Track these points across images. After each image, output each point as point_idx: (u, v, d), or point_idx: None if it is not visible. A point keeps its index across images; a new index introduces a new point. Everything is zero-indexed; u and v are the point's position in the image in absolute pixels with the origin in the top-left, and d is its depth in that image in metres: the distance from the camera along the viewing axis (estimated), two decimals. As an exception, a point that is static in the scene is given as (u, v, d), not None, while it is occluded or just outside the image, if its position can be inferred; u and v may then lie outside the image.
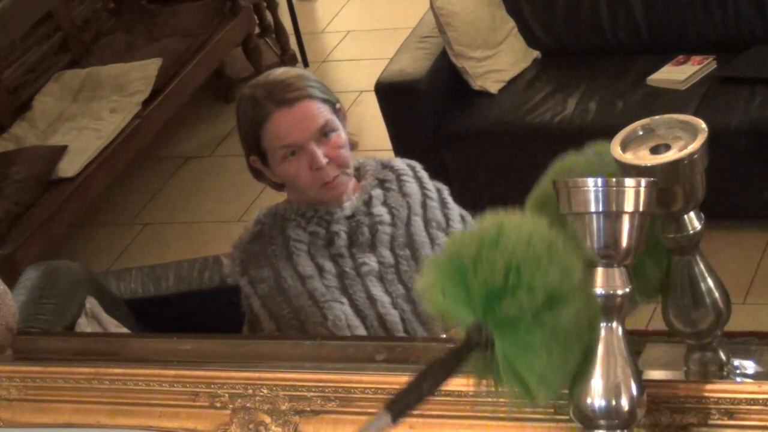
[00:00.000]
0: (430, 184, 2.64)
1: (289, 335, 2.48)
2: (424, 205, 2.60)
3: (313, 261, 2.52)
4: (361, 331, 2.47)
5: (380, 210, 2.56)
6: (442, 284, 1.41)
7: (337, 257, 2.52)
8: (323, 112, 2.51)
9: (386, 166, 2.65)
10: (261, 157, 2.56)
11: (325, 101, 2.53)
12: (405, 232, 2.55)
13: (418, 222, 2.57)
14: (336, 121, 2.53)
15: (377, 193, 2.58)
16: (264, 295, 2.53)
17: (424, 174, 2.66)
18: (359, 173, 2.62)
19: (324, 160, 2.49)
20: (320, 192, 2.52)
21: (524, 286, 1.37)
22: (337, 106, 2.57)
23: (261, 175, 2.61)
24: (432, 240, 2.56)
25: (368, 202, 2.56)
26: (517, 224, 1.42)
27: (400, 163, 2.67)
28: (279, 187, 2.62)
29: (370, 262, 2.52)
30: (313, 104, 2.51)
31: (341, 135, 2.54)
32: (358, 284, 2.50)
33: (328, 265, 2.51)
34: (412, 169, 2.66)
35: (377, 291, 2.50)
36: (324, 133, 2.51)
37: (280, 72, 2.59)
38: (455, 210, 2.63)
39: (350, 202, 2.55)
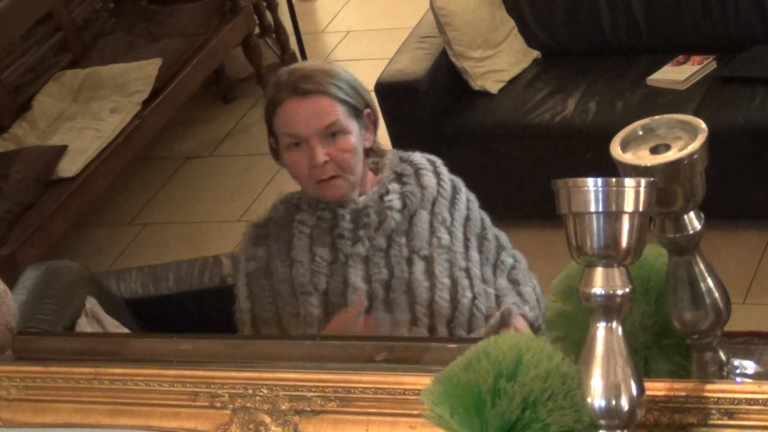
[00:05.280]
0: (448, 182, 2.64)
1: (288, 335, 2.48)
2: (434, 201, 2.60)
3: (311, 248, 2.52)
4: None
5: (392, 197, 2.57)
6: (453, 406, 1.42)
7: (338, 238, 2.52)
8: (335, 112, 2.50)
9: (405, 159, 2.64)
10: (276, 139, 2.57)
11: (344, 102, 2.51)
12: (408, 221, 2.56)
13: (423, 214, 2.57)
14: (348, 125, 2.51)
15: (394, 187, 2.58)
16: (250, 272, 2.55)
17: (443, 170, 2.66)
18: (377, 167, 2.62)
19: (323, 159, 2.47)
20: (316, 188, 2.52)
21: (539, 422, 1.40)
22: (366, 111, 2.56)
23: (278, 157, 2.61)
24: (432, 232, 2.56)
25: (383, 196, 2.57)
26: (535, 355, 1.43)
27: (420, 158, 2.65)
28: None
29: (365, 246, 2.53)
30: (327, 101, 2.50)
31: (350, 139, 2.51)
32: (339, 269, 2.51)
33: (324, 253, 2.52)
34: (432, 163, 2.65)
35: (354, 277, 2.51)
36: (331, 132, 2.50)
37: (312, 63, 2.65)
38: (461, 212, 2.62)
39: (365, 197, 2.56)
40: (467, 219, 2.62)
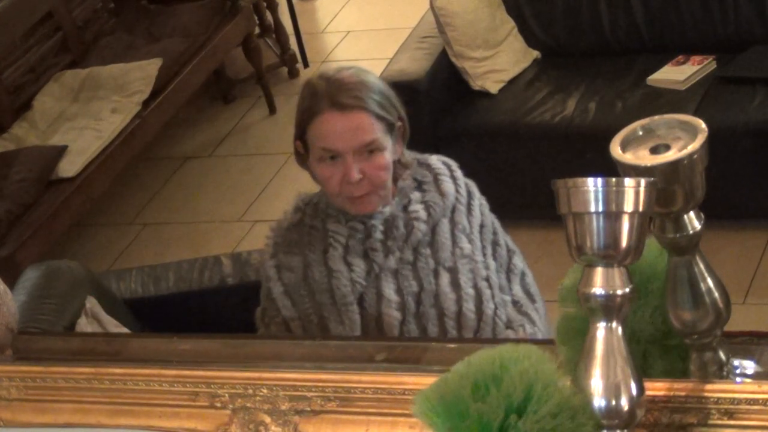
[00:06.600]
0: (463, 187, 2.61)
1: (288, 335, 2.47)
2: (453, 209, 2.57)
3: (346, 258, 2.49)
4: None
5: (416, 207, 2.53)
6: (455, 427, 1.42)
7: (370, 251, 2.49)
8: (374, 129, 2.44)
9: (422, 164, 2.60)
10: (304, 145, 2.51)
11: (381, 119, 2.46)
12: (431, 231, 2.54)
13: (444, 224, 2.55)
14: (385, 142, 2.46)
15: (416, 196, 2.54)
16: (289, 283, 2.51)
17: (459, 174, 2.62)
18: (396, 173, 2.55)
19: (357, 176, 2.43)
20: (345, 202, 2.48)
21: None
22: (398, 124, 2.50)
23: (303, 161, 2.55)
24: (454, 242, 2.54)
25: (407, 206, 2.53)
26: (546, 387, 1.43)
27: (437, 162, 2.62)
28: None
29: (395, 257, 2.50)
30: (367, 118, 2.44)
31: (385, 156, 2.46)
32: (373, 281, 2.49)
33: (360, 264, 2.49)
34: (448, 167, 2.62)
35: (388, 289, 2.49)
36: (369, 150, 2.45)
37: (350, 72, 2.49)
38: (477, 218, 2.59)
39: (390, 207, 2.52)
40: (482, 225, 2.60)
